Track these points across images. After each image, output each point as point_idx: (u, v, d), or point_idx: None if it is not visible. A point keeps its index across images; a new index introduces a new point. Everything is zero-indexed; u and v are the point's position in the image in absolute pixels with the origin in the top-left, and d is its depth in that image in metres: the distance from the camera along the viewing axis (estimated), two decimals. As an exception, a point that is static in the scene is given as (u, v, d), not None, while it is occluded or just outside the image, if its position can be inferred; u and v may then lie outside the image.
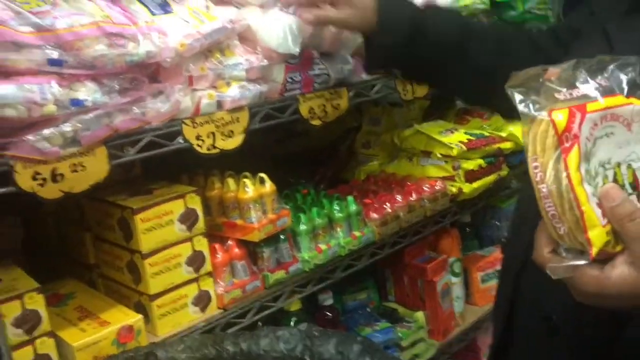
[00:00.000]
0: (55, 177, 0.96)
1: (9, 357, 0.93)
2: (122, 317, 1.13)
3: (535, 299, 0.88)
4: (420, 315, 1.73)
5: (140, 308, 1.18)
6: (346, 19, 1.14)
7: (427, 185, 1.67)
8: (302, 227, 1.38)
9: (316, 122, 1.35)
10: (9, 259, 1.21)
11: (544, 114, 0.62)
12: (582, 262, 0.62)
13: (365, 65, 1.18)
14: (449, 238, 1.82)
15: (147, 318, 1.17)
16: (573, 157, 0.60)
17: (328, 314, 1.55)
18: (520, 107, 0.64)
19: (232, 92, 1.17)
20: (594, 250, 0.60)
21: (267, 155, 1.74)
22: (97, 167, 1.01)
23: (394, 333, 1.64)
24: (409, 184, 1.67)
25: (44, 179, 0.95)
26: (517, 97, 0.64)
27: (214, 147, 1.16)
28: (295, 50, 1.20)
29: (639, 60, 0.66)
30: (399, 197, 1.59)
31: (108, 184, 1.24)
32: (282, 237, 1.33)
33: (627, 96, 0.65)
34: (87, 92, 0.96)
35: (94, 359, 1.06)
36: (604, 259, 0.62)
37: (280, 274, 1.33)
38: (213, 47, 1.15)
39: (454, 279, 1.84)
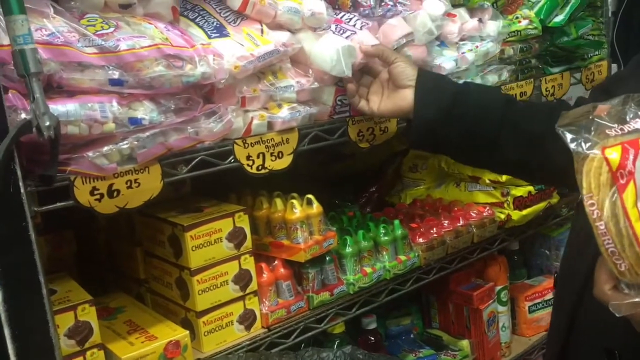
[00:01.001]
0: (111, 192, 0.99)
1: (61, 367, 0.95)
2: (170, 333, 1.15)
3: (595, 332, 0.86)
4: (465, 343, 1.69)
5: (187, 324, 1.20)
6: (397, 110, 1.21)
7: (474, 211, 1.64)
8: (348, 249, 1.38)
9: (364, 145, 1.35)
10: (63, 272, 1.25)
11: (596, 152, 0.62)
12: (636, 299, 0.62)
13: (407, 140, 1.23)
14: (496, 265, 1.79)
15: (194, 334, 1.18)
16: (629, 193, 0.60)
17: (371, 338, 1.54)
18: (572, 146, 0.64)
19: (283, 114, 1.18)
20: None
21: (314, 177, 1.75)
22: (151, 184, 1.04)
23: (438, 360, 1.62)
24: (456, 209, 1.65)
25: (101, 194, 0.98)
26: (569, 136, 0.65)
27: (264, 167, 1.18)
28: (348, 73, 1.21)
29: None
30: (446, 222, 1.57)
31: (159, 201, 1.28)
32: (327, 258, 1.34)
33: None
34: (145, 111, 1.00)
35: (141, 373, 1.08)
36: None
37: (325, 296, 1.33)
38: (266, 69, 1.17)
39: (501, 308, 1.80)
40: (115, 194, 1.00)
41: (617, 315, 0.63)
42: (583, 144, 0.63)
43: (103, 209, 0.99)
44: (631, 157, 0.60)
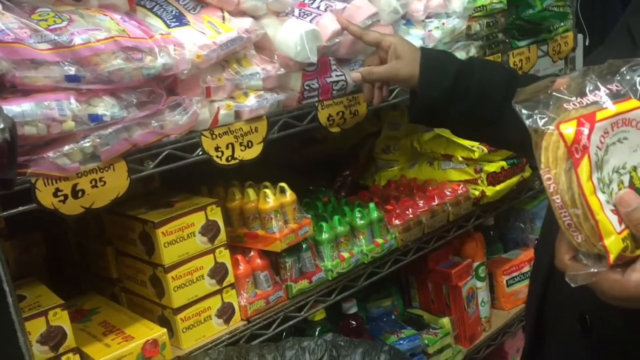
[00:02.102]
0: (76, 193, 0.96)
1: (35, 375, 0.93)
2: (147, 332, 1.12)
3: (567, 300, 0.87)
4: (446, 321, 1.70)
5: (164, 322, 1.17)
6: (393, 72, 1.17)
7: (449, 190, 1.64)
8: (325, 235, 1.36)
9: (335, 129, 1.33)
10: (33, 276, 1.22)
11: (552, 128, 0.62)
12: (600, 269, 0.63)
13: (409, 115, 1.21)
14: (473, 242, 1.79)
15: (172, 331, 1.16)
16: (584, 168, 0.61)
17: (352, 322, 1.53)
18: (528, 122, 0.64)
19: (250, 102, 1.16)
20: (611, 257, 0.62)
21: (286, 164, 1.73)
22: (117, 181, 1.01)
23: (420, 340, 1.62)
24: (431, 188, 1.65)
25: (65, 196, 0.95)
26: (525, 112, 0.64)
27: (233, 158, 1.15)
28: (313, 58, 1.19)
29: None
30: (421, 203, 1.57)
31: (127, 198, 1.24)
32: (304, 246, 1.32)
33: None
34: (105, 107, 0.96)
35: (119, 375, 1.06)
36: (626, 262, 0.63)
37: (303, 284, 1.31)
38: (230, 57, 1.14)
39: (479, 284, 1.81)
40: (80, 194, 0.96)
41: (572, 285, 0.65)
42: (539, 120, 0.63)
43: (68, 211, 0.96)
44: (586, 131, 0.60)
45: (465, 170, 1.69)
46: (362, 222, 1.43)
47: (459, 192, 1.64)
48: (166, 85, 1.07)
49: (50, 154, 0.92)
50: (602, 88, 0.64)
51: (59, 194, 0.94)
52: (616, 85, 0.64)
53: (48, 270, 1.41)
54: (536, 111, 0.63)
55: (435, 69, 1.14)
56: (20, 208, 0.93)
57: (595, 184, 0.61)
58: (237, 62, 1.16)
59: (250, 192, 1.29)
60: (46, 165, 0.92)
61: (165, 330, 1.12)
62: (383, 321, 1.72)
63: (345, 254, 1.39)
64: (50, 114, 0.89)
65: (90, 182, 0.97)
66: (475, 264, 1.79)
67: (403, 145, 1.80)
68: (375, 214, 1.45)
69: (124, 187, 1.02)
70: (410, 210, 1.54)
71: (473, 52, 1.61)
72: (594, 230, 0.61)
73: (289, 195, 1.28)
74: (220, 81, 1.12)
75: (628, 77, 0.65)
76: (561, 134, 0.61)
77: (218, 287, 1.20)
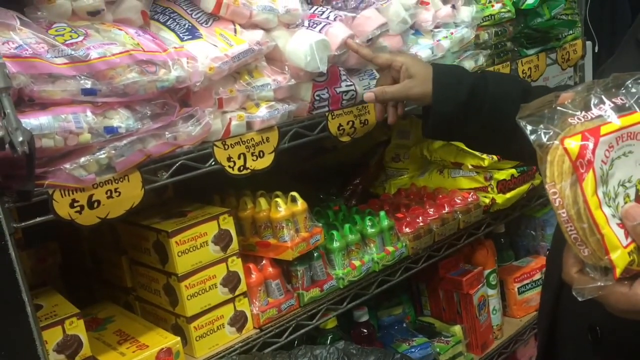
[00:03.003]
0: (92, 203, 0.98)
1: (52, 383, 0.94)
2: (161, 340, 1.14)
3: (579, 310, 0.87)
4: (457, 329, 1.70)
5: (177, 330, 1.19)
6: (406, 91, 1.19)
7: (459, 197, 1.65)
8: (336, 244, 1.38)
9: (345, 139, 1.35)
10: (49, 285, 1.24)
11: (557, 142, 0.63)
12: (607, 283, 0.64)
13: (423, 131, 1.22)
14: (483, 250, 1.80)
15: (185, 340, 1.18)
16: (589, 182, 0.61)
17: (364, 330, 1.54)
18: (533, 138, 0.64)
19: (261, 113, 1.17)
20: (617, 271, 0.62)
21: (297, 173, 1.75)
22: (132, 192, 1.03)
23: (432, 348, 1.62)
24: (441, 196, 1.65)
25: (82, 206, 0.97)
26: (529, 127, 0.65)
27: (245, 168, 1.17)
28: (323, 67, 1.20)
29: None
30: (431, 211, 1.57)
31: (142, 208, 1.26)
32: (315, 254, 1.33)
33: None
34: (120, 119, 0.98)
35: (134, 383, 1.07)
36: (632, 275, 0.63)
37: (315, 292, 1.32)
38: (241, 69, 1.16)
39: (491, 291, 1.81)
40: (95, 204, 0.98)
41: (579, 299, 0.65)
42: (543, 135, 0.64)
43: (84, 221, 0.98)
44: (591, 145, 0.61)
45: (475, 178, 1.70)
46: (372, 230, 1.44)
47: (469, 200, 1.64)
48: (179, 97, 1.09)
49: (67, 165, 0.94)
50: (607, 102, 0.65)
51: (76, 204, 0.96)
52: (621, 99, 0.65)
53: (63, 279, 1.43)
54: (541, 126, 0.64)
55: (449, 85, 1.15)
56: (38, 219, 0.95)
57: (601, 198, 0.62)
58: (248, 73, 1.18)
59: (262, 201, 1.30)
60: (63, 177, 0.94)
61: (179, 338, 1.14)
62: (394, 329, 1.72)
63: (356, 262, 1.40)
64: (67, 127, 0.91)
65: (106, 193, 0.99)
66: (486, 272, 1.80)
67: (413, 153, 1.81)
68: (385, 222, 1.46)
69: (139, 197, 1.04)
70: (420, 218, 1.54)
71: (482, 60, 1.62)
72: (600, 244, 0.62)
73: (300, 204, 1.29)
74: (232, 92, 1.13)
75: (633, 90, 0.65)
76: (565, 149, 0.62)
77: (231, 296, 1.21)
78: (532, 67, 1.79)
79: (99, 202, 0.99)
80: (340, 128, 1.33)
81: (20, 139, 0.80)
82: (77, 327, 1.05)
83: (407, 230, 1.50)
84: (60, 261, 1.44)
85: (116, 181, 1.00)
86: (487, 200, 1.67)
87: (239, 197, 1.36)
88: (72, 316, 1.05)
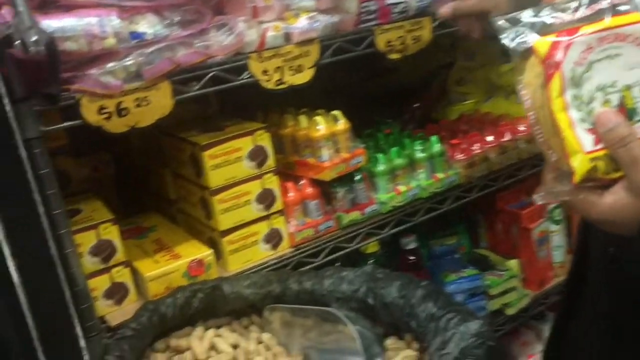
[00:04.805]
0: (120, 111, 0.98)
1: (84, 283, 0.98)
2: (194, 251, 1.15)
3: (602, 233, 0.82)
4: (513, 263, 1.63)
5: (212, 243, 1.20)
6: (481, 4, 1.10)
7: (524, 126, 1.53)
8: (380, 167, 1.32)
9: (395, 56, 1.26)
10: (102, 194, 1.27)
11: (531, 43, 0.61)
12: (564, 188, 0.62)
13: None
14: (549, 183, 1.68)
15: (219, 254, 1.19)
16: (555, 83, 0.59)
17: (411, 258, 1.50)
18: (506, 41, 0.62)
19: (301, 24, 1.11)
20: (576, 177, 0.60)
21: (353, 93, 1.68)
22: (162, 101, 1.01)
23: (482, 280, 1.56)
24: (504, 123, 1.54)
25: (110, 113, 0.97)
26: (502, 28, 0.62)
27: (282, 82, 1.13)
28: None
29: None
30: (489, 138, 1.47)
31: (184, 120, 1.26)
32: (357, 177, 1.29)
33: None
34: (147, 25, 0.96)
35: (165, 289, 1.10)
36: (607, 183, 0.61)
37: (355, 215, 1.29)
38: (280, -25, 1.10)
39: (554, 227, 1.70)
40: (124, 112, 0.98)
41: (539, 202, 0.66)
42: (521, 38, 0.61)
43: (113, 128, 0.98)
44: (562, 46, 0.58)
45: (545, 105, 1.57)
46: (422, 155, 1.37)
47: (534, 128, 1.52)
48: (212, 5, 1.05)
49: (94, 71, 0.93)
50: (602, 1, 0.60)
51: (104, 111, 0.96)
52: None
53: (117, 189, 1.47)
54: (516, 27, 0.62)
55: None
56: (66, 123, 0.96)
57: (568, 100, 0.59)
58: (288, -19, 1.11)
59: (303, 119, 1.26)
60: (90, 82, 0.94)
61: (211, 251, 1.15)
62: (445, 259, 1.66)
63: (402, 188, 1.34)
64: (90, 30, 0.90)
65: (135, 101, 0.98)
66: (551, 206, 1.68)
67: (478, 76, 1.69)
68: (436, 148, 1.38)
69: (168, 107, 1.02)
70: (477, 145, 1.45)
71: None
72: (562, 147, 0.60)
73: (342, 124, 1.24)
74: (269, 1, 1.08)
75: None
76: (535, 49, 0.60)
77: (265, 213, 1.20)
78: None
79: (127, 109, 0.98)
80: (389, 44, 1.25)
81: (34, 38, 0.79)
82: (111, 233, 1.08)
83: (460, 157, 1.42)
84: (114, 172, 1.48)
85: (145, 90, 0.99)
86: (555, 130, 1.55)
87: (283, 115, 1.32)
88: (107, 222, 1.08)
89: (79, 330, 0.89)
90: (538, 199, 0.66)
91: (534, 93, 0.61)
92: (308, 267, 1.24)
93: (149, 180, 1.46)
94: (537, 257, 1.65)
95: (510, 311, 1.58)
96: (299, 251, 1.24)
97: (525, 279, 1.67)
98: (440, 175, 1.39)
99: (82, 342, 0.89)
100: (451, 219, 1.70)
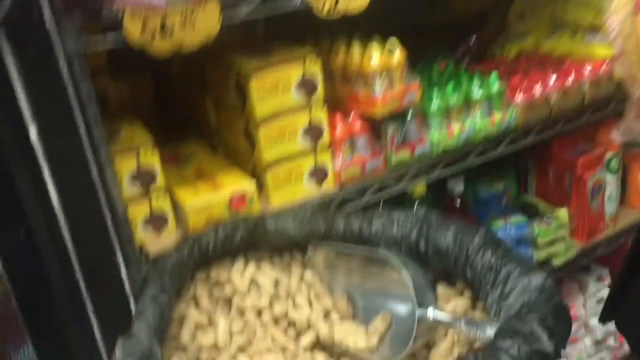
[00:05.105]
0: (164, 31, 0.91)
1: (124, 210, 0.95)
2: (236, 183, 1.11)
3: None
4: (563, 212, 1.55)
5: (255, 175, 1.15)
6: None
7: (589, 67, 1.42)
8: (434, 104, 1.24)
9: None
10: (139, 117, 1.22)
11: None
12: None
13: None
14: (609, 129, 1.58)
15: (261, 186, 1.14)
16: None
17: (457, 202, 1.44)
18: None
19: (360, -57, 1.01)
20: None
21: (407, 24, 1.57)
22: (208, 23, 0.94)
23: (530, 229, 1.50)
24: (568, 64, 1.43)
25: (153, 33, 0.90)
26: None
27: (337, 9, 1.04)
28: None
29: None
30: (552, 79, 1.37)
31: (229, 46, 1.19)
32: (409, 113, 1.21)
33: None
34: (196, -64, 0.87)
35: (205, 221, 1.06)
36: None
37: (404, 154, 1.22)
38: None
39: (610, 177, 1.61)
40: (168, 33, 0.91)
41: (618, 140, 0.65)
42: None
43: (157, 49, 0.91)
44: None
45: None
46: (479, 93, 1.28)
47: (601, 70, 1.41)
48: None
49: (138, -14, 0.86)
50: None
51: (147, 30, 0.90)
52: None
53: (156, 114, 1.42)
54: None
55: None
56: (108, 43, 0.89)
57: None
58: None
59: (356, 48, 1.18)
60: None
61: (254, 183, 1.10)
62: (492, 205, 1.60)
63: (456, 128, 1.27)
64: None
65: (180, 21, 0.91)
66: (609, 155, 1.59)
67: (541, 11, 1.57)
68: (495, 86, 1.29)
69: (214, 28, 0.95)
70: (538, 86, 1.35)
71: None
72: None
73: (397, 56, 1.15)
74: None
75: None
76: None
77: (312, 147, 1.14)
78: None
79: (171, 30, 0.91)
80: (455, -31, 1.14)
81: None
82: (152, 158, 1.03)
83: (520, 98, 1.33)
84: (154, 96, 1.43)
85: (191, 11, 0.92)
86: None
87: (334, 44, 1.24)
88: (148, 146, 1.03)
89: (120, 257, 0.86)
90: (617, 135, 0.64)
91: (622, 21, 0.59)
92: (352, 206, 1.19)
93: (189, 107, 1.40)
94: (589, 207, 1.58)
95: (557, 262, 1.52)
96: (344, 189, 1.19)
97: (574, 229, 1.60)
98: (497, 116, 1.30)
99: (123, 270, 0.86)
100: (499, 164, 1.62)
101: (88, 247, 0.81)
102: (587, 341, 1.74)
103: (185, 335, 0.86)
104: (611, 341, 1.76)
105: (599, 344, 1.75)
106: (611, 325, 1.75)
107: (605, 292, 1.75)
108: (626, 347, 1.81)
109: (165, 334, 0.81)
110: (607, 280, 1.76)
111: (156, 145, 1.04)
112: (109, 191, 0.89)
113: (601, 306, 1.74)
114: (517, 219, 1.52)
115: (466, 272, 0.86)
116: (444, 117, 1.26)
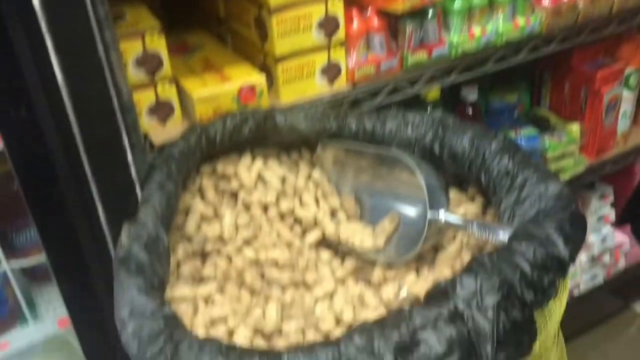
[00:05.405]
0: None
1: (129, 94, 0.90)
2: (246, 75, 1.06)
3: None
4: (575, 127, 1.52)
5: (265, 70, 1.10)
6: None
7: (622, -27, 1.34)
8: (456, 4, 1.17)
9: None
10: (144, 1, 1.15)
11: None
12: None
13: None
14: (632, 43, 1.51)
15: (272, 81, 1.09)
16: None
17: (470, 109, 1.40)
18: None
19: None
20: None
21: None
22: None
23: (540, 142, 1.47)
24: (600, -31, 1.35)
25: None
26: None
27: None
28: None
29: None
30: (582, -17, 1.29)
31: None
32: (430, 12, 1.15)
33: None
34: None
35: (213, 113, 1.03)
36: None
37: (421, 56, 1.17)
38: None
39: (627, 93, 1.57)
40: None
41: None
42: None
43: None
44: None
45: (651, -48, 1.36)
46: (504, -5, 1.21)
47: (634, -23, 1.33)
48: None
49: None
50: None
51: None
52: None
53: (161, 1, 1.35)
54: None
55: None
56: None
57: None
58: None
59: (379, -64, 1.10)
60: None
61: (264, 76, 1.06)
62: (504, 116, 1.56)
63: (477, 30, 1.21)
64: None
65: None
66: (629, 70, 1.54)
67: None
68: (522, -12, 1.22)
69: None
70: (566, -10, 1.28)
71: None
72: None
73: (423, -54, 1.08)
74: None
75: None
76: None
77: (326, 42, 1.09)
78: None
79: None
80: None
81: None
82: (158, 43, 0.98)
83: (546, 2, 1.26)
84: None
85: None
86: (657, -18, 1.35)
87: None
88: (154, 30, 0.98)
89: (126, 142, 0.83)
90: None
91: None
92: (365, 106, 1.15)
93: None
94: (602, 123, 1.54)
95: (565, 176, 1.51)
96: (357, 89, 1.14)
97: (584, 145, 1.57)
98: (520, 21, 1.24)
99: (129, 155, 0.84)
100: (514, 75, 1.57)
101: (94, 129, 0.78)
102: (583, 257, 1.76)
103: (191, 225, 0.85)
104: (606, 258, 1.78)
105: (594, 259, 1.77)
106: (608, 242, 1.76)
107: (606, 211, 1.75)
108: (620, 265, 1.84)
109: (171, 221, 0.79)
110: (610, 199, 1.75)
111: (164, 31, 0.99)
112: (115, 73, 0.84)
113: (602, 224, 1.75)
114: (529, 131, 1.49)
115: (480, 177, 0.84)
116: (465, 18, 1.19)
